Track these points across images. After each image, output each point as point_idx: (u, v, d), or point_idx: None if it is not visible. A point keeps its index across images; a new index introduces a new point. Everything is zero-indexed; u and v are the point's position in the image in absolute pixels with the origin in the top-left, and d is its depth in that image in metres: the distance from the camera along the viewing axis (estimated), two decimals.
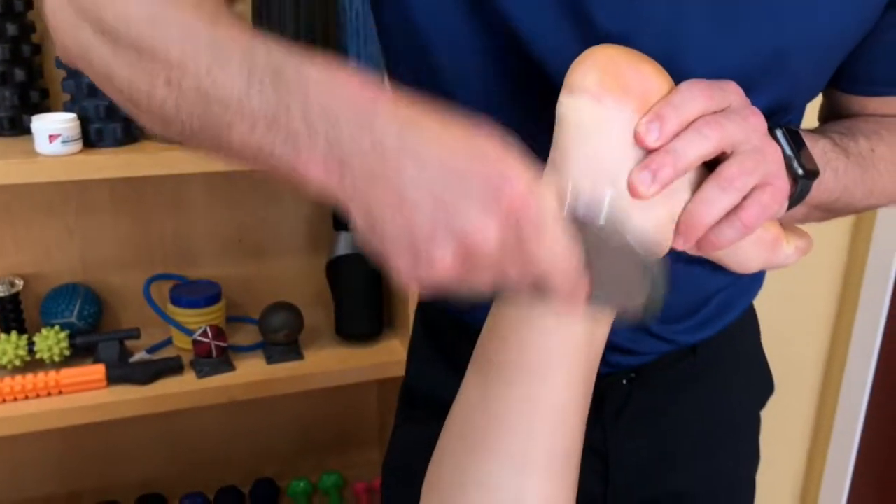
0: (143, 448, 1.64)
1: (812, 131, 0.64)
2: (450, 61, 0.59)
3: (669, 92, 0.49)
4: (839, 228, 1.31)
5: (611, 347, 0.57)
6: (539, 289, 0.43)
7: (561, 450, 0.52)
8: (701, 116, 0.48)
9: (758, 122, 0.51)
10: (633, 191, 0.47)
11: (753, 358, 0.83)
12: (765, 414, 0.85)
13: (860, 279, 1.18)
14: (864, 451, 1.21)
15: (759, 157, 0.50)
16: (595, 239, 0.45)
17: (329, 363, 1.47)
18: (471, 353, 0.57)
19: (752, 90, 0.52)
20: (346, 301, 1.53)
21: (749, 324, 0.81)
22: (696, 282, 0.70)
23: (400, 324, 1.52)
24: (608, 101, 0.47)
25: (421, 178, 0.40)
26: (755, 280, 0.77)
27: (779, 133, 0.55)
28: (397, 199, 0.41)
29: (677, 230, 0.49)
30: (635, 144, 0.47)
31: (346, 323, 1.53)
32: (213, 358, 1.41)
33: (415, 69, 0.62)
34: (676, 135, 0.47)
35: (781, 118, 0.61)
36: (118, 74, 0.49)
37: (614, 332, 0.56)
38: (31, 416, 1.31)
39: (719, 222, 0.49)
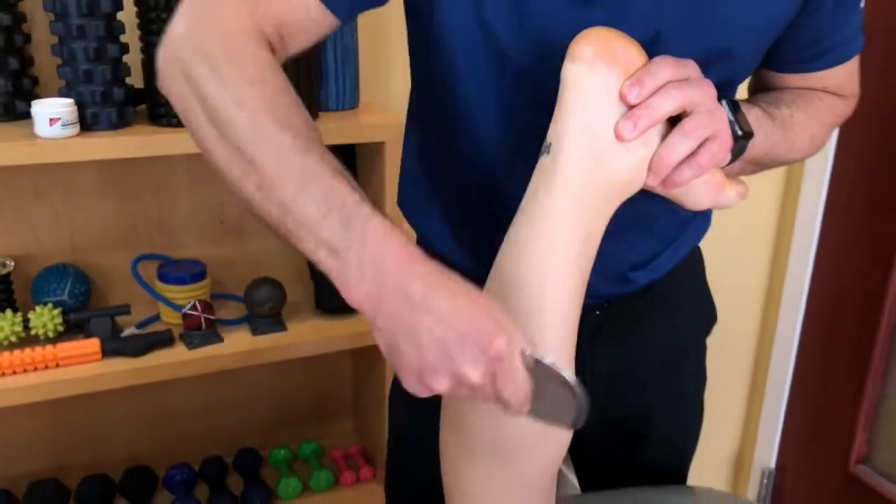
0: (130, 422, 1.71)
1: (746, 101, 0.78)
2: (470, 86, 0.72)
3: (646, 64, 0.62)
4: (774, 178, 1.47)
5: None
6: (498, 402, 0.58)
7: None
8: (669, 83, 0.61)
9: (711, 90, 0.64)
10: (618, 135, 0.61)
11: (699, 292, 0.98)
12: (711, 341, 0.99)
13: (791, 226, 1.33)
14: (799, 374, 1.35)
15: (711, 117, 0.64)
16: (541, 376, 0.59)
17: (310, 334, 1.56)
18: None
19: (705, 71, 0.66)
20: (324, 277, 1.62)
21: (695, 263, 0.96)
22: (655, 239, 0.84)
23: None
24: (600, 67, 0.61)
25: (434, 329, 0.55)
26: (700, 227, 0.92)
27: (723, 102, 0.69)
28: (414, 340, 0.55)
29: (650, 169, 0.63)
30: (619, 101, 0.61)
31: (325, 298, 1.62)
32: (202, 330, 1.50)
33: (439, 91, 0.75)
34: (651, 95, 0.60)
35: (726, 93, 0.75)
36: (217, 156, 0.60)
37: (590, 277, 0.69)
38: (29, 388, 1.37)
39: (680, 163, 0.63)
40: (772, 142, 0.76)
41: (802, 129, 0.79)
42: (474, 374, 0.55)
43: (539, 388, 0.58)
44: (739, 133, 0.69)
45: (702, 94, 0.63)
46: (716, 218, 0.94)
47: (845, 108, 0.85)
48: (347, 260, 0.56)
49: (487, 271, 0.68)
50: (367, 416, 1.82)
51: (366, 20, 1.53)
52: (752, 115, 0.74)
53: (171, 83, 0.63)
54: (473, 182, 0.81)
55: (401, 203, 0.97)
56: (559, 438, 0.67)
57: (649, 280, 0.87)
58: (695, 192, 0.69)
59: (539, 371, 0.58)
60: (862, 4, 0.78)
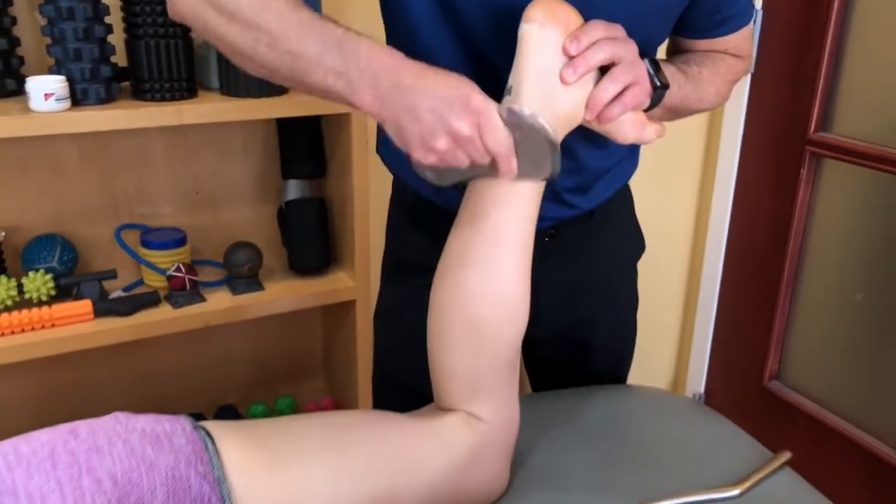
0: (116, 381, 1.82)
1: (664, 61, 0.96)
2: (428, 45, 0.89)
3: (583, 25, 0.79)
4: (696, 128, 1.66)
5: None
6: (490, 165, 0.75)
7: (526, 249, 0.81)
8: (601, 39, 0.78)
9: (633, 48, 0.82)
10: (562, 79, 0.77)
11: (630, 222, 1.16)
12: (650, 268, 1.17)
13: (715, 162, 1.51)
14: (722, 307, 1.54)
15: (633, 67, 0.81)
16: (521, 131, 0.75)
17: (285, 293, 1.70)
18: (444, 227, 0.85)
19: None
20: (297, 241, 1.76)
21: (626, 197, 1.14)
22: (592, 166, 1.01)
23: (345, 258, 1.78)
24: (548, 27, 0.78)
25: (425, 102, 0.70)
26: (629, 166, 1.10)
27: (646, 60, 0.86)
28: (413, 115, 0.71)
29: (587, 106, 0.80)
30: (562, 54, 0.78)
31: (298, 259, 1.76)
32: (186, 290, 1.62)
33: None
34: (586, 49, 0.77)
35: (643, 55, 0.93)
36: (230, 38, 0.75)
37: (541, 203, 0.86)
38: (27, 346, 1.47)
39: (609, 102, 0.80)
40: (684, 93, 0.95)
41: (709, 83, 0.98)
42: (463, 126, 0.70)
43: (519, 141, 0.74)
44: (658, 84, 0.87)
45: (626, 49, 0.81)
46: (651, 166, 1.12)
47: (742, 67, 1.05)
48: (350, 77, 0.71)
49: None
50: (337, 370, 1.96)
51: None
52: (669, 71, 0.92)
53: (181, 4, 0.77)
54: None
55: (379, 153, 1.13)
56: (518, 318, 0.83)
57: (589, 207, 1.05)
58: (622, 128, 0.87)
59: (515, 122, 0.74)
60: None
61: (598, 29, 0.80)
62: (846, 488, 1.40)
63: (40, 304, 1.55)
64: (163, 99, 1.49)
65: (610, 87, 0.80)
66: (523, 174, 0.78)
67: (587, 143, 0.95)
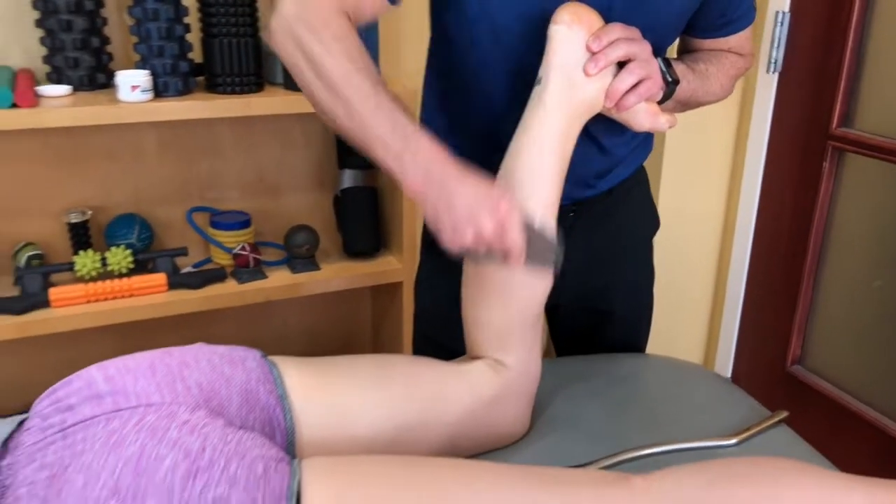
0: None
1: (675, 59, 1.08)
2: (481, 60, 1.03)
3: (604, 26, 0.91)
4: (728, 119, 1.73)
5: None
6: (502, 255, 0.85)
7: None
8: (619, 39, 0.90)
9: (648, 47, 0.94)
10: (585, 71, 0.90)
11: (646, 201, 1.28)
12: (682, 254, 1.27)
13: (744, 153, 1.58)
14: (749, 293, 1.62)
15: (647, 64, 0.93)
16: (532, 233, 0.86)
17: (339, 273, 1.85)
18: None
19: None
20: (350, 226, 1.91)
21: (642, 178, 1.26)
22: (613, 153, 1.13)
23: (394, 243, 1.91)
24: (574, 27, 0.91)
25: (462, 200, 0.81)
26: (644, 150, 1.21)
27: (659, 59, 0.98)
28: (449, 209, 0.82)
29: (606, 95, 0.92)
30: (585, 50, 0.90)
31: (351, 243, 1.91)
32: (249, 268, 1.78)
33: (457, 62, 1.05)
34: (606, 46, 0.89)
35: (655, 55, 1.04)
36: (313, 90, 0.86)
37: (566, 183, 0.98)
38: (108, 312, 1.65)
39: (626, 92, 0.91)
40: (693, 87, 1.06)
41: (715, 79, 1.10)
42: (488, 226, 0.82)
43: (530, 243, 0.87)
44: (670, 80, 0.99)
45: (641, 48, 0.93)
46: (685, 156, 1.22)
47: (745, 64, 1.16)
48: (405, 161, 0.82)
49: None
50: (384, 345, 2.10)
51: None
52: (679, 69, 1.05)
53: (283, 45, 0.89)
54: (482, 116, 1.10)
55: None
56: (543, 282, 0.95)
57: (609, 186, 1.16)
58: (638, 116, 0.99)
59: (529, 230, 0.87)
60: None
61: (617, 30, 0.92)
62: (865, 470, 1.47)
63: (121, 276, 1.72)
64: (233, 92, 1.65)
65: (627, 78, 0.92)
66: (529, 266, 0.89)
67: (609, 133, 1.07)
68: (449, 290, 1.04)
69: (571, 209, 1.15)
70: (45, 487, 0.62)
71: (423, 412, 0.86)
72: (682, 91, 1.03)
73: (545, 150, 0.93)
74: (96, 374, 0.73)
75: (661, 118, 1.00)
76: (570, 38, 0.92)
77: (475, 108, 1.11)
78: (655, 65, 0.96)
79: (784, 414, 1.00)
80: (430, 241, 1.28)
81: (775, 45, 1.47)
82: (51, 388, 0.73)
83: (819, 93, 1.44)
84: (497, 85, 1.06)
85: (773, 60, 1.49)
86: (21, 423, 0.72)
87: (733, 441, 0.95)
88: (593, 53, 0.91)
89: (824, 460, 0.95)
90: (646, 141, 1.19)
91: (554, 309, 1.19)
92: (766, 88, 1.53)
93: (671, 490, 0.70)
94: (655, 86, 0.94)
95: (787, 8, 1.44)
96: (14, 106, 1.47)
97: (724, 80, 1.11)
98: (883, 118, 1.36)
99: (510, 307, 0.93)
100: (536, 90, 0.94)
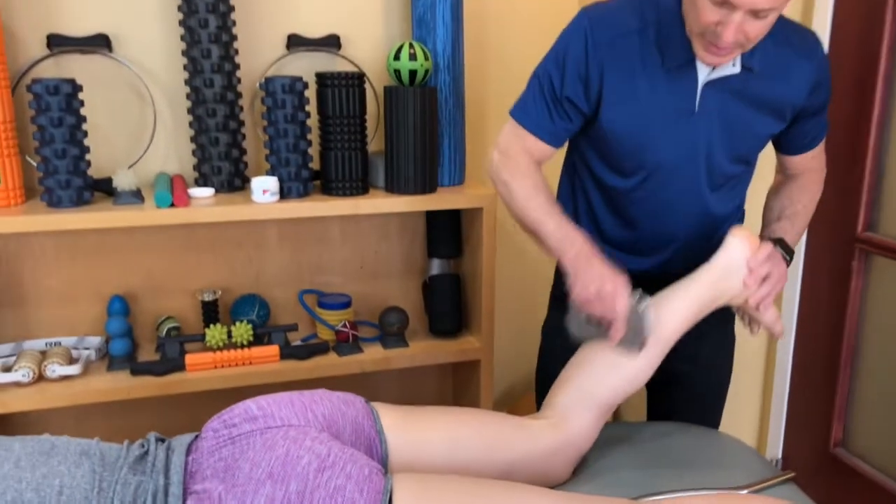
0: None
1: (780, 220, 1.44)
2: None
3: (762, 247, 1.32)
4: None
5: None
6: (607, 329, 1.19)
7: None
8: (768, 262, 1.31)
9: (783, 267, 1.33)
10: (745, 284, 1.31)
11: None
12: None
13: None
14: (794, 380, 1.80)
15: (780, 276, 1.33)
16: (633, 313, 1.19)
17: (425, 349, 2.11)
18: None
19: (732, 162, 1.34)
20: (436, 308, 2.18)
21: None
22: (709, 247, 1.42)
23: (474, 325, 2.17)
24: (745, 242, 1.31)
25: (596, 271, 1.19)
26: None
27: (778, 247, 1.33)
28: (586, 272, 1.21)
29: (751, 299, 1.33)
30: (745, 264, 1.30)
31: (437, 324, 2.17)
32: (349, 343, 2.07)
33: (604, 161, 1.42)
34: (761, 276, 1.31)
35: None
36: (513, 209, 1.33)
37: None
38: (232, 376, 1.96)
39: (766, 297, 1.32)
40: (797, 230, 1.45)
41: (807, 210, 1.46)
42: (608, 289, 1.17)
43: (629, 322, 1.17)
44: (788, 258, 1.35)
45: (778, 267, 1.32)
46: None
47: (821, 176, 1.46)
48: (565, 247, 1.23)
49: None
50: None
51: (471, 124, 2.13)
52: (783, 228, 1.42)
53: (496, 181, 1.34)
54: (630, 226, 1.43)
55: None
56: (648, 368, 1.28)
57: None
58: (766, 314, 1.36)
59: (633, 310, 1.18)
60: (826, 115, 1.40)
61: (766, 265, 1.31)
62: None
63: (242, 346, 2.04)
64: (344, 194, 1.98)
65: (768, 289, 1.33)
66: (621, 344, 1.21)
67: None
68: (568, 348, 1.36)
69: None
70: (223, 471, 0.89)
71: (486, 451, 1.10)
72: (794, 243, 1.42)
73: (687, 297, 1.28)
74: (251, 404, 1.01)
75: (778, 325, 1.37)
76: (739, 248, 1.31)
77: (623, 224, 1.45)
78: (783, 268, 1.34)
79: (792, 474, 1.18)
80: (559, 296, 1.54)
81: None
82: (218, 414, 1.02)
83: (846, 201, 1.64)
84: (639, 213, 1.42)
85: None
86: (196, 436, 1.01)
87: (744, 491, 1.14)
88: (751, 269, 1.30)
89: None
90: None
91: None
92: None
93: None
94: (782, 284, 1.33)
95: None
96: (172, 205, 1.84)
97: (812, 203, 1.44)
98: None
99: (611, 378, 1.19)
100: (704, 267, 1.32)
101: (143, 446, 0.99)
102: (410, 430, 1.07)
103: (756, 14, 1.10)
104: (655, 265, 1.43)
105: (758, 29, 1.13)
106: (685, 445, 1.32)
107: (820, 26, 1.64)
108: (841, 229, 1.68)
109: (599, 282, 1.15)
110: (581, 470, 1.21)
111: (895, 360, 1.62)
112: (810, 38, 1.32)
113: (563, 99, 1.28)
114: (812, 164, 1.43)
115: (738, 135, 1.30)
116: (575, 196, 1.48)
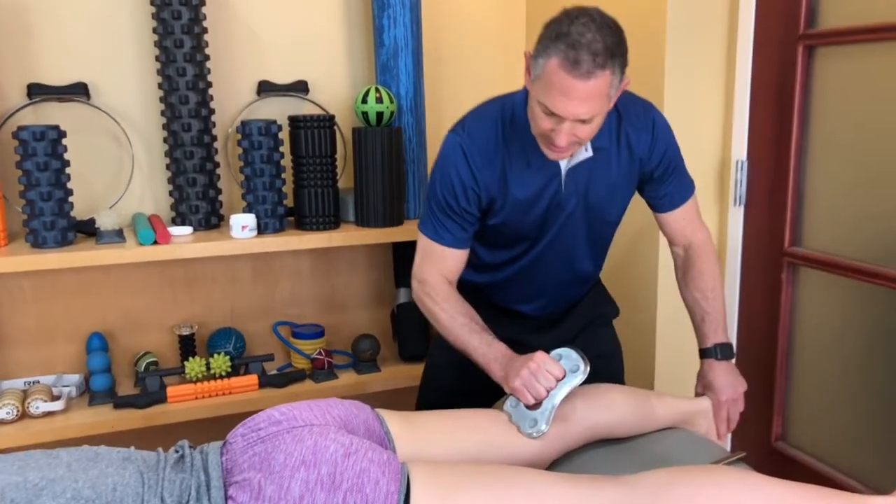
0: None
1: (703, 325, 1.59)
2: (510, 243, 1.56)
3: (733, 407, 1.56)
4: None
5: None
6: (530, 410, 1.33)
7: None
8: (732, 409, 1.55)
9: (742, 391, 1.55)
10: (719, 434, 1.55)
11: (603, 296, 1.73)
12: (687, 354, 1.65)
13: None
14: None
15: (739, 401, 1.55)
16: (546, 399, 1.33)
17: (396, 374, 2.23)
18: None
19: (603, 216, 1.53)
20: (405, 335, 2.31)
21: (597, 284, 1.72)
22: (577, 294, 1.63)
23: None
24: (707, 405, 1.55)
25: (521, 363, 1.33)
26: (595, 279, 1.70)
27: (718, 352, 1.56)
28: (515, 369, 1.35)
29: (718, 432, 1.55)
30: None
31: (405, 349, 2.30)
32: (324, 370, 2.18)
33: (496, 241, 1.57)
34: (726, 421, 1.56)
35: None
36: (439, 329, 1.46)
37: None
38: (211, 406, 2.04)
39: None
40: (721, 316, 1.58)
41: (714, 294, 1.59)
42: (532, 365, 1.31)
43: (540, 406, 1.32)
44: (733, 358, 1.58)
45: (740, 403, 1.54)
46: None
47: (708, 252, 1.61)
48: (490, 361, 1.38)
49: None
50: None
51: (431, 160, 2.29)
52: (714, 329, 1.57)
53: (420, 307, 1.48)
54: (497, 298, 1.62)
55: None
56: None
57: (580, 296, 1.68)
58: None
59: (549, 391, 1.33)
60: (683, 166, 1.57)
61: (734, 402, 1.54)
62: None
63: (221, 377, 2.12)
64: (317, 229, 2.10)
65: (729, 425, 1.55)
66: (522, 428, 1.32)
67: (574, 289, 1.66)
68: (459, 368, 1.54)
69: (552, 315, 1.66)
70: (259, 462, 1.00)
71: (483, 445, 1.24)
72: (725, 334, 1.60)
73: (648, 408, 1.46)
74: (272, 411, 1.13)
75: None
76: (704, 408, 1.55)
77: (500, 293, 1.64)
78: (741, 390, 1.54)
79: (743, 453, 1.35)
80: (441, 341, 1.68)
81: (738, 184, 1.92)
82: (242, 422, 1.13)
83: (774, 220, 1.85)
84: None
85: (738, 196, 1.93)
86: (224, 443, 1.12)
87: None
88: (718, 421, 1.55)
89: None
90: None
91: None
92: (735, 217, 1.96)
93: (646, 477, 1.08)
94: (740, 407, 1.56)
95: (744, 157, 1.89)
96: (155, 243, 1.93)
97: (715, 282, 1.59)
98: (824, 237, 1.77)
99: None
100: (678, 397, 1.56)
101: (177, 451, 1.09)
102: (413, 431, 1.20)
103: (583, 121, 1.28)
104: (535, 309, 1.62)
105: (587, 131, 1.31)
106: (647, 439, 1.47)
107: (742, 70, 1.87)
108: (770, 245, 1.89)
109: (523, 364, 1.30)
110: (556, 466, 1.35)
111: (825, 360, 1.83)
112: (649, 111, 1.50)
113: (461, 211, 1.45)
114: (686, 227, 1.59)
115: (603, 205, 1.49)
116: None
